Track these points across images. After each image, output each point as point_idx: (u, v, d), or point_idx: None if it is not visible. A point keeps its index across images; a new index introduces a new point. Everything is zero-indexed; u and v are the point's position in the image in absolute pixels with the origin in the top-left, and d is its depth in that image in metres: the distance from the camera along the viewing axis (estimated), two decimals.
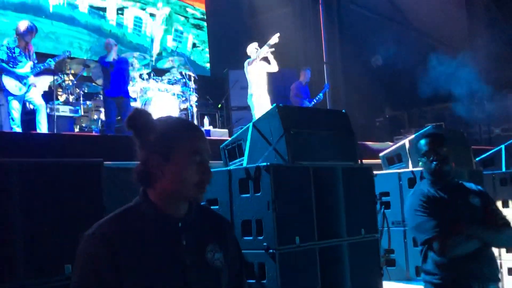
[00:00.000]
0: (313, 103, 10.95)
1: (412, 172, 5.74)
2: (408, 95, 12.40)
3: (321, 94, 11.14)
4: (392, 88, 12.51)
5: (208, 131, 10.15)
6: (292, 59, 12.96)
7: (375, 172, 4.77)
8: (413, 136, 6.54)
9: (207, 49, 14.39)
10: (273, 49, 9.51)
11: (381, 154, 6.75)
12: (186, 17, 13.99)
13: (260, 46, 9.55)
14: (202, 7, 14.40)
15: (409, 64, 11.94)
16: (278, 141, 3.87)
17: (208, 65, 14.31)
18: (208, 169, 1.85)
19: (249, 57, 9.59)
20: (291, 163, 3.80)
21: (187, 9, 14.05)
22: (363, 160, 4.74)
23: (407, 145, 6.30)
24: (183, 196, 1.84)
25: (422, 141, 3.35)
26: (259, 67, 9.51)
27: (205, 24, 14.45)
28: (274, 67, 9.65)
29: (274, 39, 9.37)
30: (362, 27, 13.46)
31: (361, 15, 13.82)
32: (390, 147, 6.93)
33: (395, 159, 6.53)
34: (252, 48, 9.59)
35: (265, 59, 9.61)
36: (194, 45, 14.12)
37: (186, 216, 1.87)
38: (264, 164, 3.59)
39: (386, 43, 12.93)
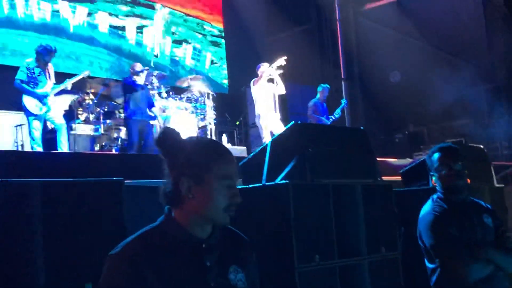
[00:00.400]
0: (331, 120, 10.93)
1: (433, 189, 5.68)
2: (427, 111, 12.32)
3: (338, 111, 11.11)
4: (411, 104, 12.44)
5: None
6: (310, 76, 12.98)
7: (395, 189, 4.73)
8: None
9: (224, 66, 14.47)
10: (281, 71, 9.53)
11: (401, 171, 6.69)
12: (203, 35, 14.10)
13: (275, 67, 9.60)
14: (219, 25, 14.50)
15: (428, 79, 11.90)
16: (297, 159, 3.87)
17: (225, 81, 14.37)
18: (238, 193, 1.85)
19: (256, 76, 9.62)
20: (310, 181, 3.79)
21: (205, 26, 14.16)
22: (383, 177, 4.71)
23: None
24: (211, 219, 1.85)
25: (435, 155, 3.25)
26: (265, 88, 9.53)
27: (222, 41, 14.54)
28: (281, 89, 9.64)
29: (280, 61, 9.42)
30: (380, 43, 13.44)
31: (379, 31, 13.81)
32: (409, 164, 6.86)
33: (415, 176, 6.46)
34: (261, 67, 9.62)
35: (273, 80, 9.64)
36: (212, 62, 14.21)
37: (210, 238, 1.87)
38: (283, 182, 3.59)
39: (404, 59, 12.90)
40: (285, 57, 9.45)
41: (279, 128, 9.33)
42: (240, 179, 4.61)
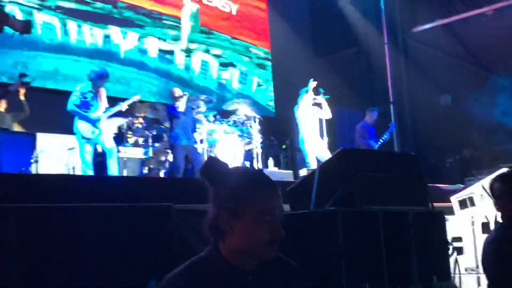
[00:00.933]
0: (379, 143, 10.79)
1: (486, 216, 5.52)
2: (479, 134, 12.04)
3: (387, 134, 10.97)
4: (462, 128, 12.18)
5: (272, 173, 10.15)
6: (357, 100, 12.89)
7: (446, 216, 4.61)
8: (486, 178, 6.30)
9: (271, 88, 14.51)
10: (327, 96, 9.52)
11: (452, 197, 6.53)
12: (249, 57, 14.21)
13: (315, 90, 9.58)
14: (265, 47, 14.58)
15: (479, 103, 11.64)
16: (346, 185, 3.81)
17: (271, 103, 14.40)
18: (279, 228, 1.78)
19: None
20: (360, 208, 3.73)
21: (250, 49, 14.27)
22: (434, 203, 4.60)
23: (480, 188, 6.06)
24: (253, 255, 1.80)
25: (497, 183, 3.14)
26: (310, 112, 9.49)
27: (268, 63, 14.61)
28: (327, 114, 9.58)
29: (312, 84, 9.45)
30: (429, 65, 13.26)
31: (428, 53, 13.64)
32: (462, 190, 6.70)
33: (467, 202, 6.29)
34: (305, 93, 9.61)
35: (318, 104, 9.60)
36: (258, 85, 14.28)
37: (257, 269, 1.83)
38: (332, 208, 3.54)
39: (455, 81, 12.68)
40: (316, 82, 9.46)
41: (325, 153, 9.26)
42: (287, 205, 4.58)
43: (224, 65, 13.61)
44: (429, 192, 4.43)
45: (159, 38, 12.31)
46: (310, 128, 9.38)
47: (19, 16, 10.04)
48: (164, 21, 12.49)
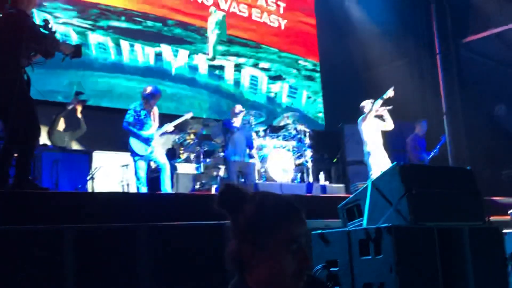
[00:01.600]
0: (431, 155, 10.61)
1: None
2: None
3: (438, 147, 10.79)
4: None
5: (324, 186, 10.10)
6: (410, 111, 12.69)
7: (504, 230, 4.48)
8: None
9: (320, 99, 14.47)
10: (390, 106, 9.35)
11: (510, 211, 6.34)
12: (298, 69, 14.23)
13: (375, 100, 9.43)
14: (314, 59, 14.59)
15: None
16: (399, 201, 3.76)
17: (320, 114, 14.34)
18: (306, 256, 1.68)
19: (362, 113, 9.43)
20: (414, 224, 3.66)
21: (299, 61, 14.30)
22: (490, 217, 4.48)
23: None
24: (281, 286, 1.66)
25: None
26: (374, 124, 9.33)
27: (317, 75, 14.59)
28: (389, 125, 9.41)
29: (390, 92, 9.21)
30: (482, 75, 12.96)
31: (481, 63, 13.35)
32: None
33: None
34: (366, 104, 9.43)
35: (380, 116, 9.43)
36: (308, 98, 14.27)
37: None
38: (385, 225, 3.49)
39: (509, 91, 12.35)
40: (393, 87, 9.28)
41: (388, 166, 9.12)
42: (339, 221, 4.55)
43: (273, 78, 13.67)
44: (485, 207, 4.32)
45: (207, 54, 12.47)
46: (374, 141, 9.24)
47: (74, 37, 10.39)
48: None
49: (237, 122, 8.77)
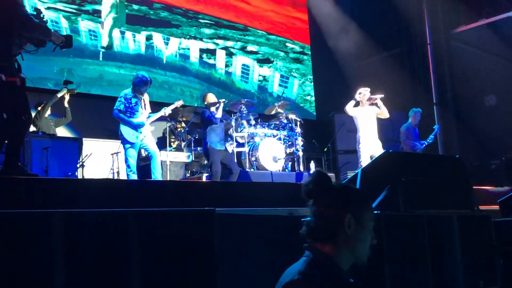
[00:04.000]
0: (424, 145, 10.64)
1: None
2: None
3: (431, 136, 10.82)
4: (508, 129, 11.88)
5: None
6: (400, 101, 12.73)
7: (493, 219, 4.51)
8: None
9: (308, 82, 14.49)
10: (382, 95, 9.40)
11: (499, 200, 6.37)
12: (285, 52, 14.23)
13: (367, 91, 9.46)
14: (301, 42, 14.60)
15: None
16: (389, 188, 3.77)
17: (309, 97, 14.38)
18: (374, 236, 2.08)
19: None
20: (404, 212, 3.68)
21: (287, 43, 14.29)
22: (480, 206, 4.51)
23: None
24: (359, 255, 2.03)
25: None
26: (366, 112, 9.33)
27: (305, 57, 14.60)
28: (384, 113, 9.41)
29: (379, 95, 9.37)
30: (473, 66, 12.99)
31: (472, 53, 13.37)
32: (509, 192, 6.52)
33: None
34: (361, 92, 9.44)
35: (375, 104, 9.44)
36: (299, 87, 14.28)
37: (350, 272, 2.06)
38: (376, 212, 3.50)
39: (500, 82, 12.39)
40: (383, 95, 9.40)
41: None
42: None
43: (261, 61, 13.65)
44: (474, 196, 4.35)
45: (195, 38, 12.41)
46: (366, 128, 9.24)
47: (64, 23, 10.31)
48: (199, 20, 12.61)
49: (218, 113, 8.71)
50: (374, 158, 4.26)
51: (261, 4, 13.88)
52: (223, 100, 8.99)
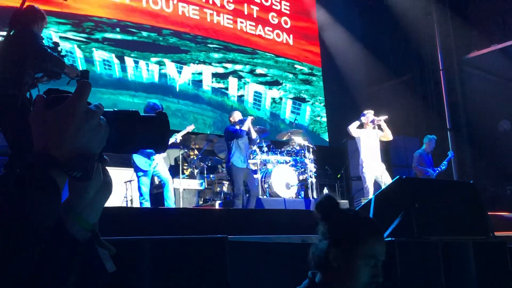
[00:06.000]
0: (437, 172, 10.57)
1: None
2: None
3: (445, 163, 10.75)
4: None
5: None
6: (413, 127, 12.71)
7: (509, 245, 4.45)
8: None
9: (317, 103, 14.52)
10: (386, 116, 9.44)
11: None
12: (294, 74, 14.30)
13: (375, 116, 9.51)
14: (310, 63, 14.69)
15: None
16: (403, 215, 3.74)
17: (319, 118, 14.39)
18: (379, 274, 1.92)
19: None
20: (418, 238, 3.65)
21: (295, 65, 14.37)
22: (495, 233, 4.45)
23: None
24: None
25: None
26: (369, 135, 9.38)
27: (314, 78, 14.65)
28: (387, 135, 9.43)
29: (383, 117, 9.40)
30: (486, 91, 12.97)
31: (485, 79, 13.36)
32: None
33: None
34: (368, 115, 9.50)
35: (379, 126, 9.49)
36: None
37: None
38: (389, 239, 3.47)
39: None
40: (386, 116, 9.40)
41: (385, 178, 9.11)
42: None
43: (270, 84, 13.71)
44: (490, 221, 4.30)
45: (204, 63, 12.52)
46: (369, 150, 9.25)
47: (79, 53, 10.47)
48: (208, 45, 12.73)
49: (244, 127, 8.67)
50: (387, 185, 4.24)
51: (274, 37, 14.01)
52: (251, 116, 8.97)
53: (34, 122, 0.97)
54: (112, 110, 1.08)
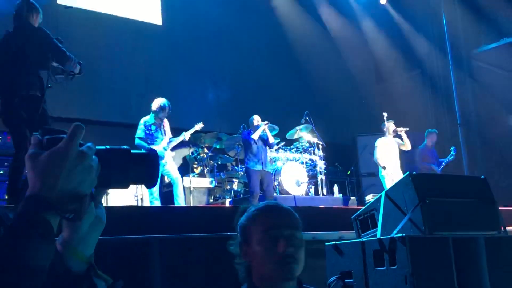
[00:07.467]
0: (442, 167, 10.49)
1: None
2: None
3: (449, 158, 10.67)
4: None
5: (336, 198, 10.06)
6: (423, 123, 12.64)
7: None
8: None
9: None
10: (407, 128, 9.56)
11: None
12: None
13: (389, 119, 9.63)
14: None
15: None
16: (413, 211, 3.73)
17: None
18: (288, 243, 1.81)
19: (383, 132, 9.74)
20: (429, 234, 3.63)
21: None
22: (507, 227, 4.42)
23: None
24: (270, 276, 1.83)
25: None
26: (389, 143, 9.51)
27: None
28: (407, 145, 9.61)
29: (401, 129, 9.58)
30: (496, 85, 12.88)
31: (494, 73, 13.27)
32: None
33: None
34: (388, 125, 9.66)
35: (399, 136, 9.64)
36: None
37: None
38: (400, 235, 3.46)
39: None
40: (408, 128, 9.56)
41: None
42: (353, 232, 4.51)
43: None
44: (501, 216, 4.27)
45: None
46: (388, 158, 9.42)
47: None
48: None
49: (255, 135, 8.73)
50: (397, 181, 4.22)
51: None
52: (266, 122, 8.96)
53: (29, 164, 1.01)
54: (104, 148, 1.11)
